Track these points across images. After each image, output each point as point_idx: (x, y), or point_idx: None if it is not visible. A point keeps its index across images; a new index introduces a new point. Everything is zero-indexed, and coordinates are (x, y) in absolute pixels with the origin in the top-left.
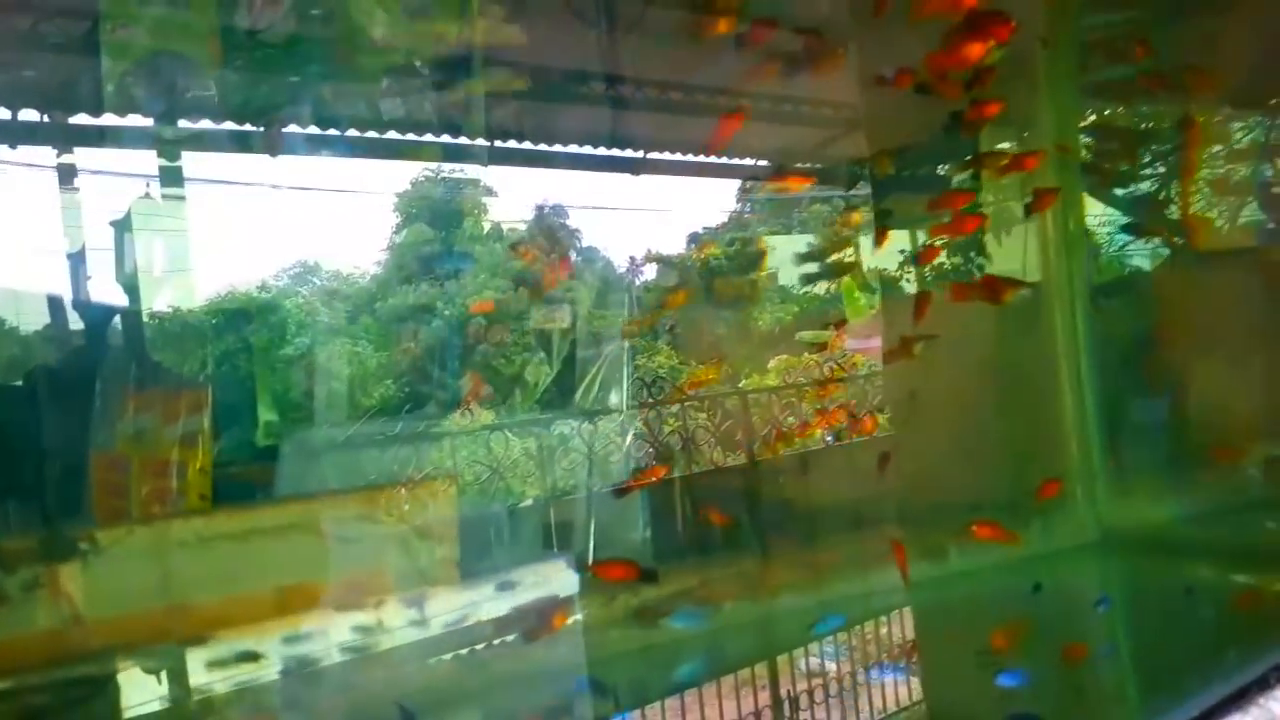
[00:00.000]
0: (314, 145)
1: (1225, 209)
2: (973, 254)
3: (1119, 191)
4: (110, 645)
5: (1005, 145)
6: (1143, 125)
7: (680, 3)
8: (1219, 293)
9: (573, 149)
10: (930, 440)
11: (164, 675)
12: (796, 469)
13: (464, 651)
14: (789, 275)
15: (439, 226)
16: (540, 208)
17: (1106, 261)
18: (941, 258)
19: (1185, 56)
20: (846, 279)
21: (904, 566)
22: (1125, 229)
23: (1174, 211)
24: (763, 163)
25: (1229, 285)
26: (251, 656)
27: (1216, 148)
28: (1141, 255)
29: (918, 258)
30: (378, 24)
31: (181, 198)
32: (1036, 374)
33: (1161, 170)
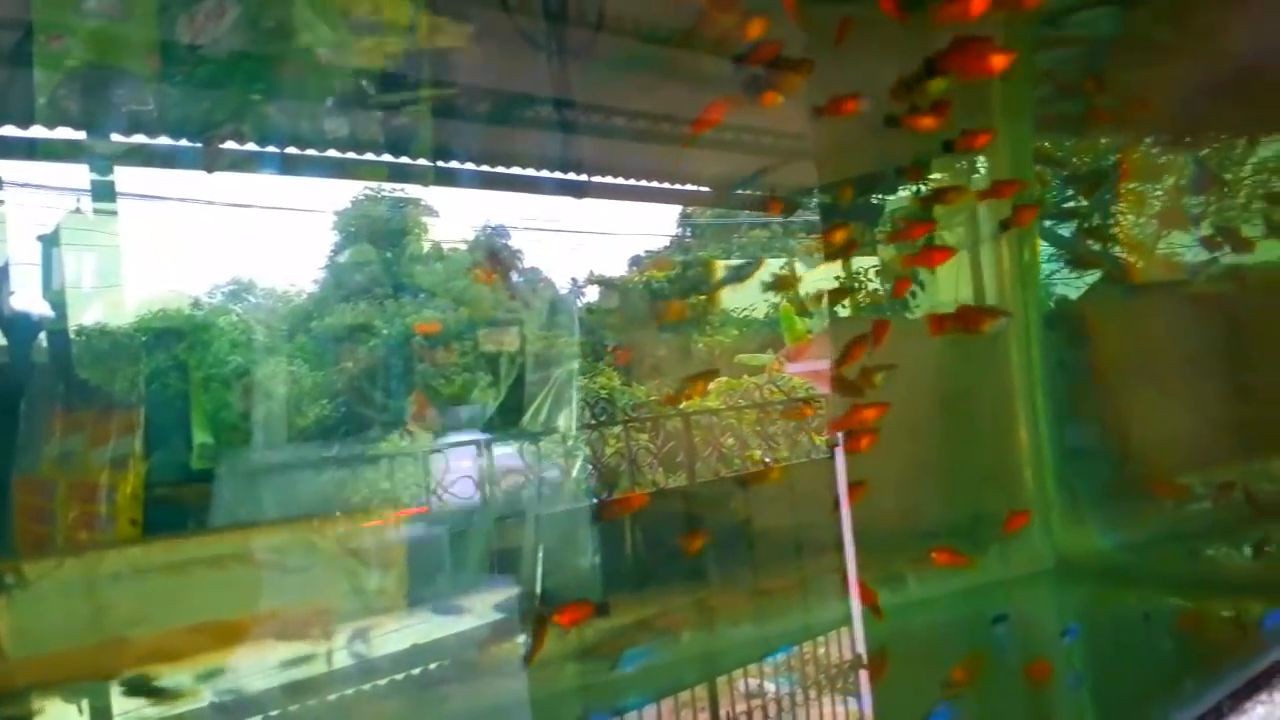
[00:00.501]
0: (254, 162)
1: (1159, 242)
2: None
3: (1052, 223)
4: (38, 684)
5: (941, 175)
6: (1079, 160)
7: (630, 31)
8: (1153, 324)
9: (517, 171)
10: (884, 466)
11: (93, 715)
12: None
13: (409, 684)
14: (729, 299)
15: (379, 245)
16: (482, 228)
17: (1044, 293)
18: (875, 284)
19: (1123, 96)
20: (784, 304)
21: (871, 601)
22: (1066, 262)
23: (1109, 244)
24: (704, 189)
25: (1162, 316)
26: (186, 693)
27: (1152, 184)
28: (1072, 286)
29: (893, 289)
30: (323, 42)
31: (114, 213)
32: (992, 402)
33: (1096, 204)
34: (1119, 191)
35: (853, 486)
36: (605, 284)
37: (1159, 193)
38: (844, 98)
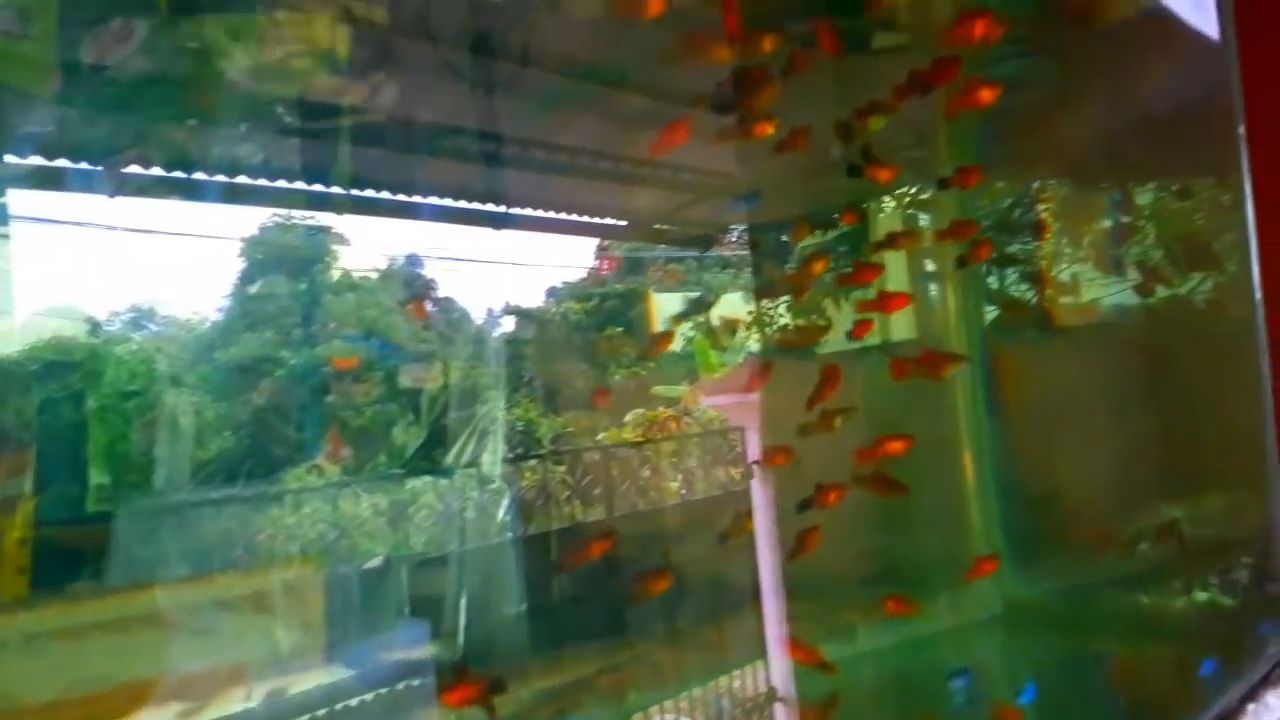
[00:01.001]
0: (159, 187)
1: (1083, 284)
2: (814, 317)
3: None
4: None
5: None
6: (994, 204)
7: (557, 67)
8: (1077, 367)
9: (434, 200)
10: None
11: None
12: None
13: None
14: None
15: (289, 274)
16: (395, 257)
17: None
18: (785, 319)
19: (1037, 142)
20: (699, 337)
21: (814, 659)
22: (995, 305)
23: (1034, 289)
24: (622, 223)
25: (1087, 359)
26: None
27: (1072, 229)
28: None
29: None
30: (238, 67)
31: (5, 236)
32: (936, 443)
33: (1022, 246)
34: (1042, 236)
35: (806, 533)
36: (523, 315)
37: (1081, 237)
38: (796, 131)
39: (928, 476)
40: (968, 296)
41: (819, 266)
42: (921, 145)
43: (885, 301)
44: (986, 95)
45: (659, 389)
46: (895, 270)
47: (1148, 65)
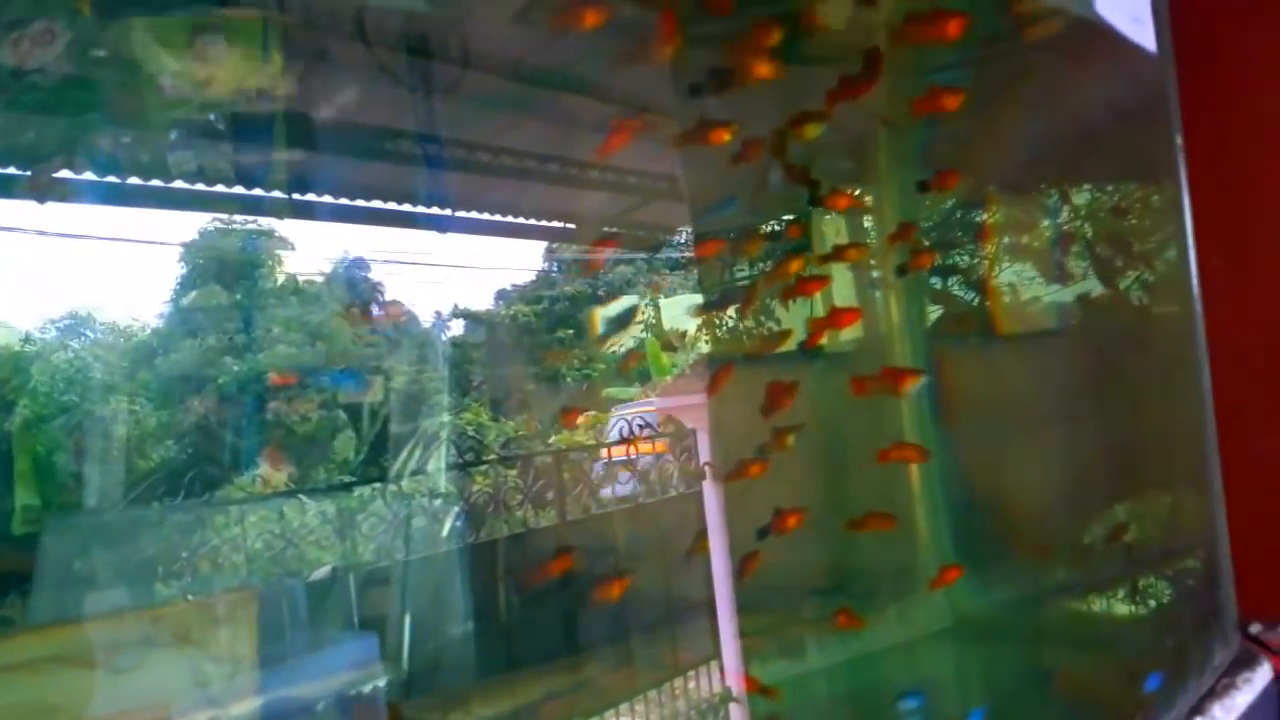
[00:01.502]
0: (91, 193)
1: (1026, 291)
2: (766, 321)
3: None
4: None
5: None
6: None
7: (498, 69)
8: (1021, 374)
9: (378, 204)
10: (767, 517)
11: None
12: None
13: None
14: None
15: (230, 280)
16: (340, 260)
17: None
18: (737, 322)
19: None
20: (650, 338)
21: (755, 688)
22: (937, 310)
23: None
24: (569, 225)
25: (1031, 366)
26: None
27: (1012, 234)
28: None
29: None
30: (166, 71)
31: None
32: (876, 445)
33: (963, 253)
34: (984, 242)
35: (748, 557)
36: (471, 318)
37: (1022, 243)
38: (749, 143)
39: (874, 484)
40: (911, 303)
41: (771, 277)
42: (859, 153)
43: (837, 317)
44: (950, 101)
45: (611, 390)
46: (840, 276)
47: (1085, 74)
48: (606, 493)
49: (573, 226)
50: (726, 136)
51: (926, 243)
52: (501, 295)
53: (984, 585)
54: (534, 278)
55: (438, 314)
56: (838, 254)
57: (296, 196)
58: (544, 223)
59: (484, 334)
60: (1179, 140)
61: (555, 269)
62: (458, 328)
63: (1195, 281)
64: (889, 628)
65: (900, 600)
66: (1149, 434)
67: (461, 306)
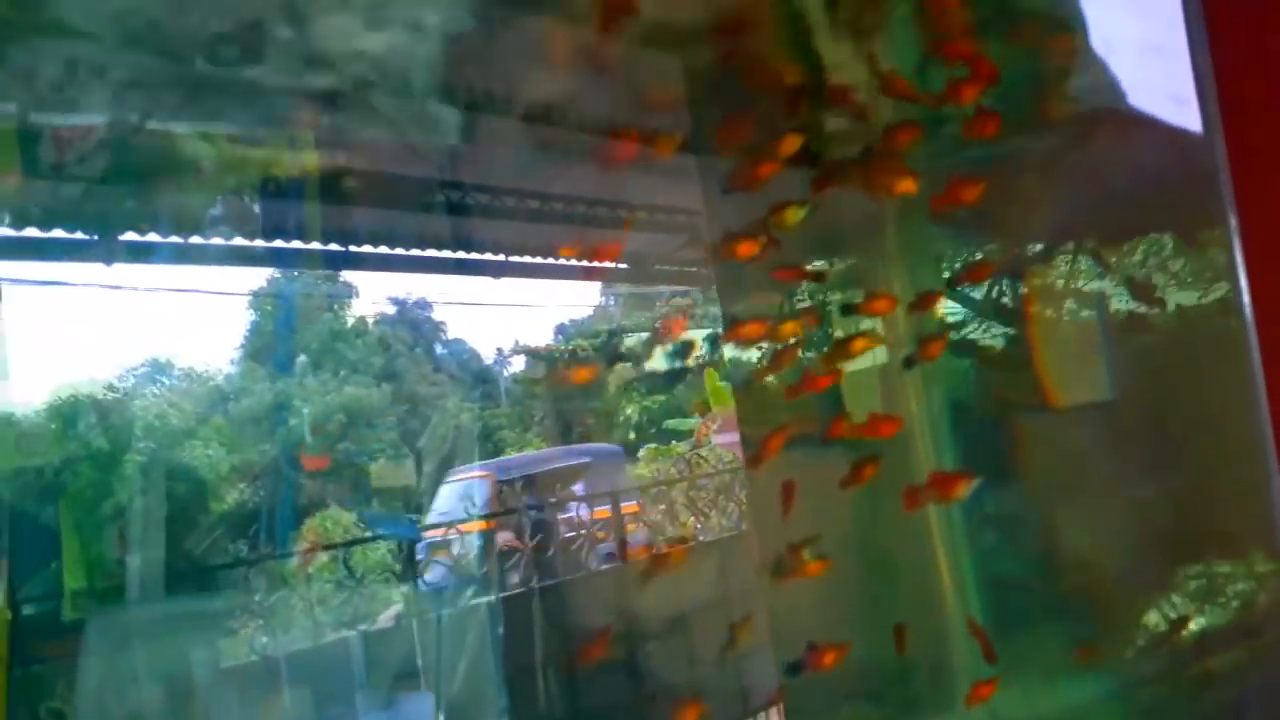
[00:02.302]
0: (155, 254)
1: (1077, 364)
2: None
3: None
4: None
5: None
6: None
7: (537, 117)
8: (1076, 447)
9: (432, 253)
10: (805, 612)
11: None
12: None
13: None
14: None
15: (298, 324)
16: (403, 302)
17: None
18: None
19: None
20: (709, 369)
21: None
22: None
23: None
24: (621, 265)
25: (1084, 440)
26: None
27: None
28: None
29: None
30: (204, 158)
31: None
32: (909, 541)
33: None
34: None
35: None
36: (531, 353)
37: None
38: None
39: (902, 578)
40: (937, 386)
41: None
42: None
43: (876, 425)
44: (970, 193)
45: (670, 422)
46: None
47: (1121, 154)
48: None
49: (624, 266)
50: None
51: (939, 328)
52: (560, 330)
53: (1032, 687)
54: (591, 312)
55: (499, 350)
56: (867, 305)
57: (353, 249)
58: (594, 263)
59: (542, 369)
60: (1234, 222)
61: (612, 303)
62: (519, 363)
63: (1258, 361)
64: None
65: (938, 711)
66: (1214, 498)
67: (521, 342)
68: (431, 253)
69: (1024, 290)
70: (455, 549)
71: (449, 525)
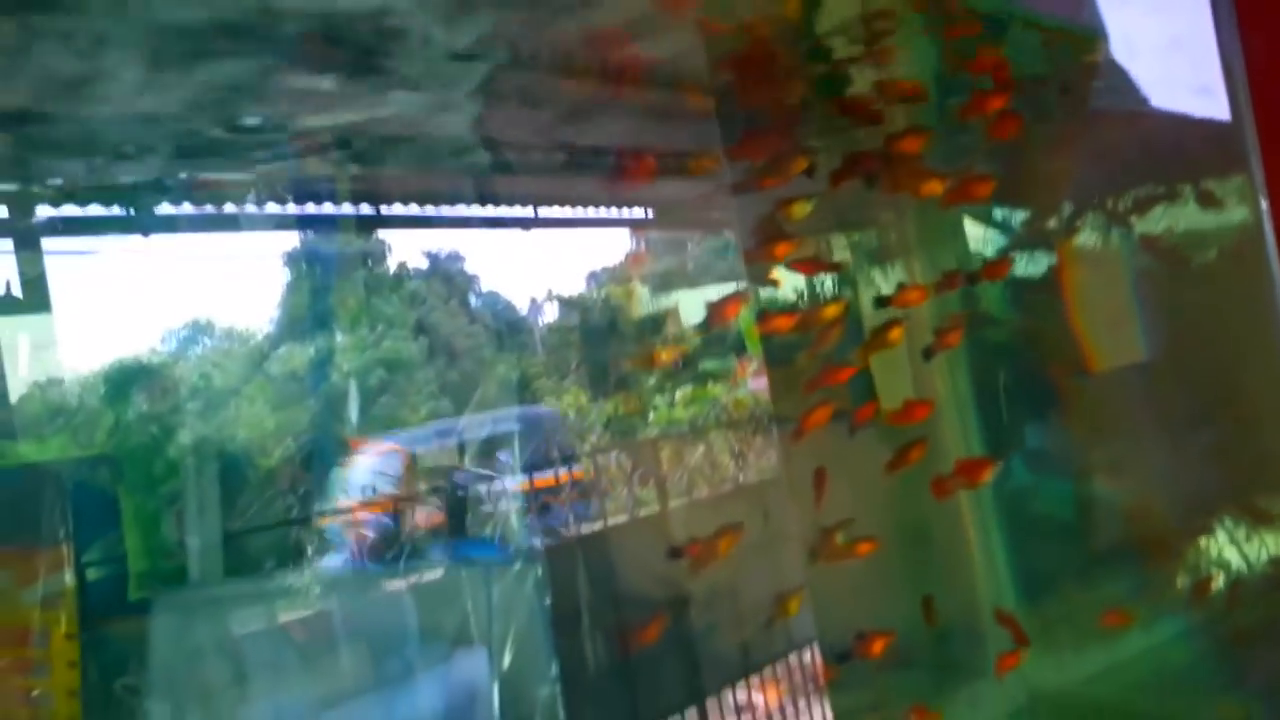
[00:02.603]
0: (190, 223)
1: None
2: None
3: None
4: None
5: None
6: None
7: (557, 69)
8: (1116, 408)
9: (461, 210)
10: (842, 585)
11: None
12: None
13: None
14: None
15: (330, 281)
16: (435, 255)
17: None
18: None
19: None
20: (744, 313)
21: None
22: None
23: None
24: (649, 214)
25: (1123, 400)
26: None
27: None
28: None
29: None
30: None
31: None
32: (939, 515)
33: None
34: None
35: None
36: (564, 302)
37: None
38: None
39: (933, 549)
40: (962, 369)
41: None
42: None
43: (910, 411)
44: (982, 190)
45: (707, 364)
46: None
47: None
48: None
49: (650, 215)
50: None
51: (955, 317)
52: (593, 277)
53: (1062, 656)
54: (622, 259)
55: (532, 299)
56: (900, 296)
57: (384, 210)
58: (623, 214)
59: (577, 317)
60: (1264, 205)
61: (643, 248)
62: (552, 312)
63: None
64: (961, 716)
65: (971, 682)
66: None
67: (554, 291)
68: (461, 209)
69: (1056, 260)
70: (365, 530)
71: (362, 504)
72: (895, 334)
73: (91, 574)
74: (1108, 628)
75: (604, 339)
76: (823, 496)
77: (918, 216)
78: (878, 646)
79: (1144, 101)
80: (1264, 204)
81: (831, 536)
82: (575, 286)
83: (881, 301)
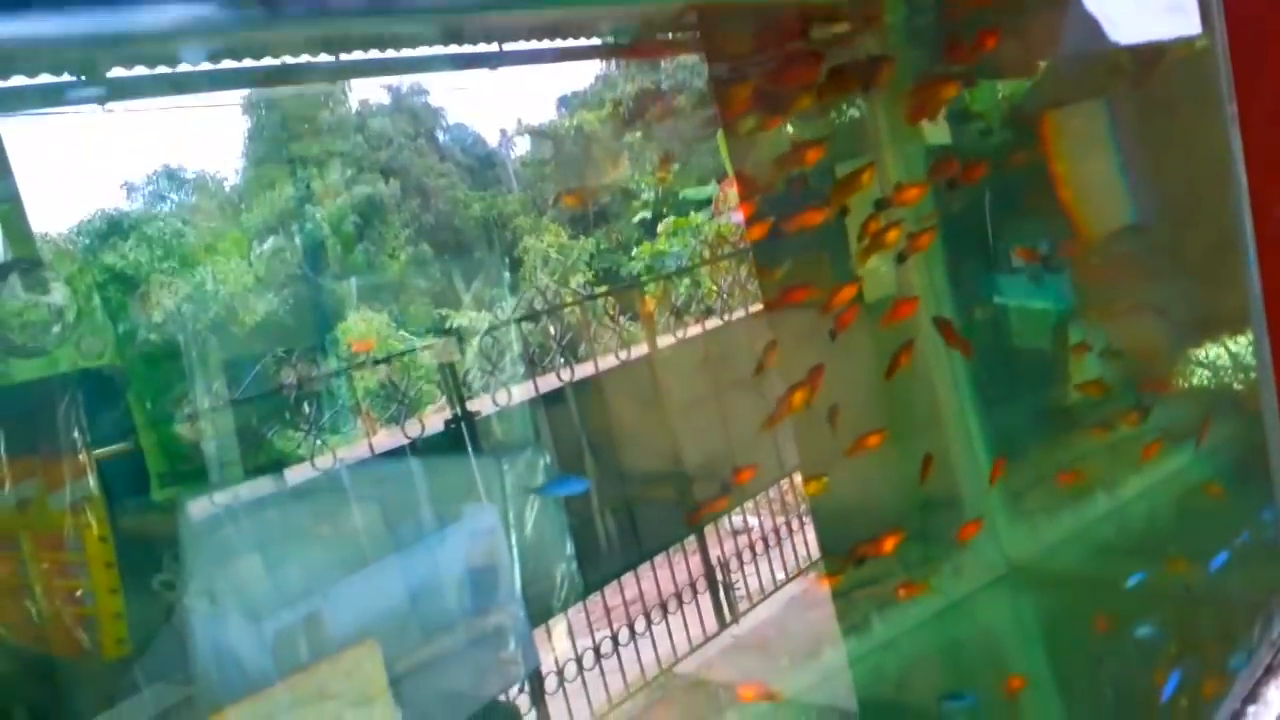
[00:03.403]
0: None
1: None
2: None
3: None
4: None
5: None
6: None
7: None
8: (1106, 270)
9: (424, 51)
10: (833, 463)
11: None
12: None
13: None
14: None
15: (297, 128)
16: (397, 89)
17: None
18: None
19: None
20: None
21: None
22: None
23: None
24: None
25: (1114, 261)
26: None
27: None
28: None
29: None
30: None
31: None
32: (918, 391)
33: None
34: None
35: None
36: (536, 132)
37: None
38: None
39: (916, 426)
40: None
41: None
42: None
43: (899, 308)
44: (948, 91)
45: (687, 191)
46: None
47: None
48: None
49: (620, 42)
50: None
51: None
52: (563, 102)
53: (1036, 525)
54: (593, 80)
55: (502, 131)
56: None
57: (344, 56)
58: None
59: (551, 149)
60: (1232, 109)
61: (615, 69)
62: (523, 144)
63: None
64: (945, 586)
65: (954, 556)
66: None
67: (525, 121)
68: (424, 50)
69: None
70: None
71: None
72: (892, 235)
73: (113, 480)
74: (1074, 490)
75: (579, 172)
76: (815, 391)
77: (887, 108)
78: (889, 544)
79: None
80: (1231, 109)
81: (836, 414)
82: (545, 115)
83: (881, 204)
